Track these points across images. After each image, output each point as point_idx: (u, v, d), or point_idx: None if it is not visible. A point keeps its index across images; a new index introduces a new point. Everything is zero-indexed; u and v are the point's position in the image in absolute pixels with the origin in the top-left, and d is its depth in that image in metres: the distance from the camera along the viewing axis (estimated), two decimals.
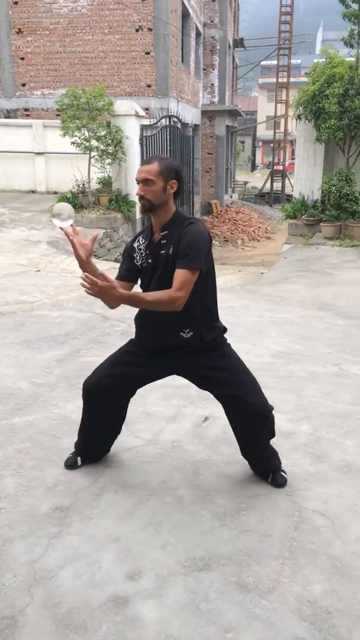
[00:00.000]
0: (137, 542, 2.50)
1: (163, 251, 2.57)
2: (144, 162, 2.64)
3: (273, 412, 2.85)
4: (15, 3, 15.59)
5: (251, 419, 2.77)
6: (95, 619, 2.08)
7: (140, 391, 3.99)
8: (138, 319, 2.79)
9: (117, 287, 2.35)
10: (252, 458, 2.96)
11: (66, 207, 2.54)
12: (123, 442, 3.24)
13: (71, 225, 2.52)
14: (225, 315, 6.05)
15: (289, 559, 2.40)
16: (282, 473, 2.96)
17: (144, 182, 2.50)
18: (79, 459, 3.07)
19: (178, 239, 2.53)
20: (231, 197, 25.47)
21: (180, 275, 2.45)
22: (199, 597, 2.19)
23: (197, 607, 2.13)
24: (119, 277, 2.69)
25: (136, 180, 2.54)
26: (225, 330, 2.82)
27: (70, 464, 3.06)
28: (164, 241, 2.57)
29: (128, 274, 2.69)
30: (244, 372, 2.79)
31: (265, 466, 2.95)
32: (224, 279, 9.63)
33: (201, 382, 2.82)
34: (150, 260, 2.61)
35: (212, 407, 3.78)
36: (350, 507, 2.77)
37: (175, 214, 2.60)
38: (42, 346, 4.96)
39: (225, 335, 2.84)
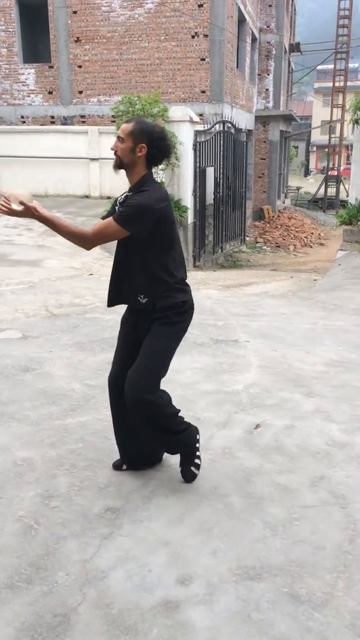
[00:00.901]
0: (188, 547, 2.49)
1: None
2: (125, 120, 2.84)
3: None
4: (75, 12, 15.95)
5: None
6: (145, 622, 2.08)
7: (190, 396, 4.01)
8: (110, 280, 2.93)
9: (37, 209, 2.53)
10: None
11: (26, 194, 2.64)
12: None
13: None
14: (276, 322, 6.03)
15: (343, 572, 2.34)
16: (194, 469, 2.98)
17: (118, 138, 2.66)
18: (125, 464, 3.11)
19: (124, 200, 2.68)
20: (284, 202, 25.25)
21: (103, 222, 2.64)
22: (250, 606, 2.16)
23: (249, 616, 2.11)
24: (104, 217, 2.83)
25: (117, 137, 2.69)
26: (186, 303, 2.83)
27: (117, 465, 3.10)
28: (123, 201, 2.68)
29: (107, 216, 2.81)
30: (154, 353, 2.78)
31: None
32: (275, 285, 9.55)
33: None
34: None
35: (264, 415, 3.74)
36: None
37: (142, 179, 2.69)
38: (95, 348, 5.02)
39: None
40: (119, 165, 2.69)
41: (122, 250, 2.78)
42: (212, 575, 2.32)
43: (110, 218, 2.62)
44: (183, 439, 2.90)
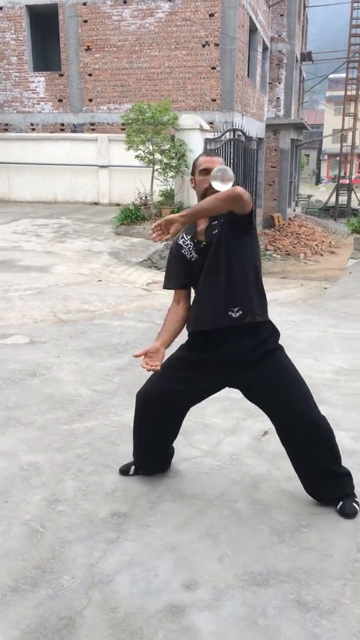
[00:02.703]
0: (194, 552, 2.48)
1: (215, 231, 2.59)
2: (207, 153, 2.72)
3: (335, 431, 2.76)
4: (85, 21, 16.10)
5: (303, 430, 2.67)
6: (151, 626, 2.07)
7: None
8: (192, 307, 2.75)
9: (183, 215, 2.38)
10: (311, 478, 2.79)
11: (227, 170, 2.49)
12: (180, 452, 3.23)
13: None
14: (286, 330, 5.99)
15: (351, 580, 2.32)
16: (355, 502, 2.76)
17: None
18: (132, 468, 3.07)
19: (227, 219, 2.56)
20: (294, 210, 25.25)
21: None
22: (257, 612, 2.14)
23: (255, 622, 2.09)
24: (175, 285, 2.75)
25: (207, 168, 2.53)
26: (277, 331, 2.75)
27: (124, 469, 3.08)
28: (215, 222, 2.59)
29: (183, 275, 2.71)
30: (301, 382, 2.70)
31: (331, 487, 2.77)
32: (285, 292, 9.52)
33: (255, 390, 2.72)
34: (204, 244, 2.62)
35: None
36: None
37: None
38: (103, 354, 5.03)
39: (282, 345, 2.77)
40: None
41: (209, 264, 2.61)
42: (219, 580, 2.31)
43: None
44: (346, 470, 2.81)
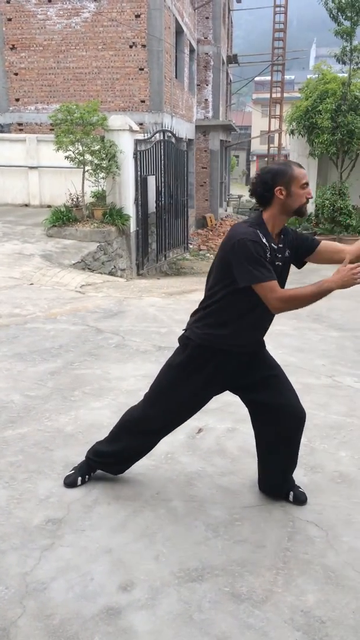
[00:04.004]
0: (130, 553, 2.49)
1: (281, 254, 2.56)
2: (299, 165, 2.58)
3: None
4: (9, 20, 15.75)
5: (297, 424, 2.73)
6: (87, 630, 2.06)
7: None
8: (239, 328, 2.59)
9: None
10: (279, 473, 2.86)
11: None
12: None
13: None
14: None
15: (282, 569, 2.39)
16: (300, 489, 2.92)
17: (308, 185, 2.53)
18: (79, 479, 2.99)
19: (290, 241, 2.59)
20: (226, 210, 25.63)
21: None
22: (192, 607, 2.17)
23: (190, 617, 2.12)
24: (272, 277, 2.46)
25: (306, 183, 2.49)
26: None
27: (70, 483, 2.98)
28: (281, 245, 2.57)
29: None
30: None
31: (288, 481, 2.89)
32: None
33: (253, 388, 2.75)
34: (278, 263, 2.54)
35: (206, 419, 3.78)
36: (344, 517, 2.77)
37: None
38: (35, 359, 4.95)
39: None
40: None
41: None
42: (155, 579, 2.33)
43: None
44: None
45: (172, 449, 3.40)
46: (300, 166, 2.56)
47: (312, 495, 2.92)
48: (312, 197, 2.59)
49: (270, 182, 2.47)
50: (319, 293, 2.39)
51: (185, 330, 2.71)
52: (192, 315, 2.73)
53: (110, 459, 2.96)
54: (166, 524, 2.69)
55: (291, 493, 2.87)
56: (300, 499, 2.86)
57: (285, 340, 5.67)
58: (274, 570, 2.38)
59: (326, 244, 2.63)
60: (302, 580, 2.32)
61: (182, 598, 2.22)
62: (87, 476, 3.02)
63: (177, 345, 2.74)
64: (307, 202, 2.52)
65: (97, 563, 2.42)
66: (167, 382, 2.73)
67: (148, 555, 2.47)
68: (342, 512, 2.81)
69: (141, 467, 3.19)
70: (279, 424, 2.72)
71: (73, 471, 3.04)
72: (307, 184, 2.50)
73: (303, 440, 3.51)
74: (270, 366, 2.76)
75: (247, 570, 2.38)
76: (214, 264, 2.64)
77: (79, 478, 3.00)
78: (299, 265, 2.70)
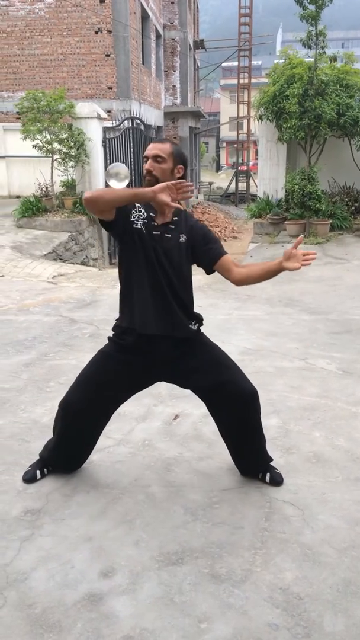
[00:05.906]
0: (110, 540, 2.50)
1: (169, 235, 2.56)
2: (156, 140, 2.61)
3: None
4: None
5: (246, 404, 2.72)
6: (69, 618, 2.08)
7: None
8: (142, 303, 2.61)
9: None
10: (250, 453, 2.90)
11: (123, 167, 2.46)
12: None
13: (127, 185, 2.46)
14: None
15: (260, 548, 2.44)
16: (276, 470, 2.96)
17: (154, 158, 2.49)
18: (38, 472, 2.97)
19: (189, 229, 2.60)
20: (197, 197, 25.58)
21: (228, 258, 2.69)
22: (173, 590, 2.20)
23: (171, 600, 2.15)
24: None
25: (145, 156, 2.51)
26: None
27: (30, 478, 2.95)
28: (173, 226, 2.57)
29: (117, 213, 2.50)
30: (226, 358, 2.78)
31: (261, 460, 2.92)
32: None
33: (187, 379, 2.75)
34: (154, 232, 2.54)
35: (182, 405, 3.80)
36: (319, 496, 2.82)
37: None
38: (9, 351, 4.91)
39: None
40: (154, 185, 2.44)
41: (169, 270, 2.59)
42: (135, 564, 2.35)
43: (227, 256, 2.68)
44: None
45: (149, 436, 3.42)
46: (158, 142, 2.58)
47: (288, 476, 2.97)
48: (149, 169, 2.49)
49: None
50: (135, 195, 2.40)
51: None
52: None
53: (55, 451, 2.94)
54: (145, 510, 2.71)
55: (268, 474, 2.92)
56: (277, 480, 2.91)
57: (258, 325, 5.72)
58: (252, 550, 2.42)
59: (226, 261, 2.69)
60: (280, 559, 2.37)
61: (162, 581, 2.25)
62: (45, 469, 3.00)
63: None
64: (148, 172, 2.50)
65: (77, 551, 2.43)
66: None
67: (128, 541, 2.49)
68: (317, 491, 2.86)
69: (119, 454, 3.20)
70: (227, 404, 2.74)
71: (30, 468, 3.02)
72: (146, 156, 2.52)
73: (278, 422, 3.58)
74: (201, 351, 2.74)
75: (226, 552, 2.42)
76: None
77: (38, 471, 2.98)
78: (208, 270, 2.77)
